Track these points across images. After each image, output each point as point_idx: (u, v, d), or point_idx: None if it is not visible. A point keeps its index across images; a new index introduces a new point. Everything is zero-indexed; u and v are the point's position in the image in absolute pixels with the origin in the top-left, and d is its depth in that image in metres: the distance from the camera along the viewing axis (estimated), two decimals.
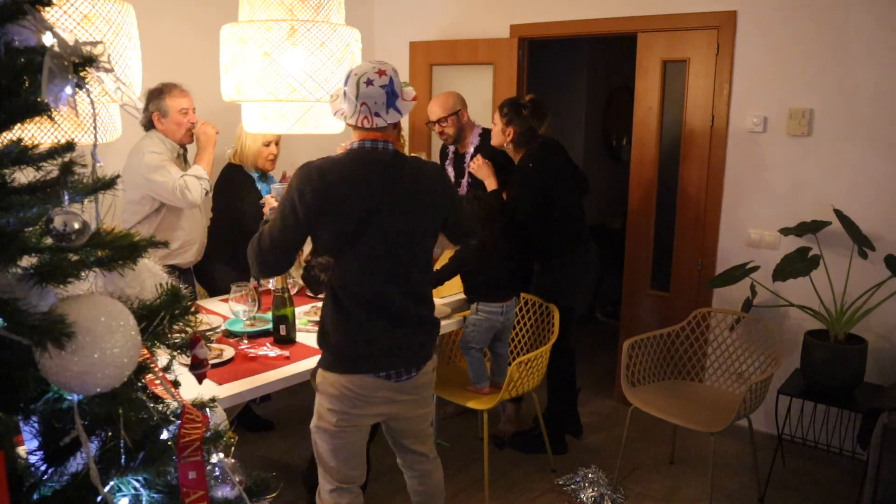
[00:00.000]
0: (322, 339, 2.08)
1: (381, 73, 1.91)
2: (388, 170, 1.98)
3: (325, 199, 1.92)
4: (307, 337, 2.65)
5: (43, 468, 1.03)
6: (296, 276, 3.05)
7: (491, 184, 3.21)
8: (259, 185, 3.28)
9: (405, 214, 2.00)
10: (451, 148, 3.61)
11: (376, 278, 2.00)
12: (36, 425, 1.03)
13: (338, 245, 1.98)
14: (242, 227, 3.23)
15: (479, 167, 3.24)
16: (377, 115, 1.93)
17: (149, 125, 3.05)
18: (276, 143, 3.27)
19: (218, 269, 3.29)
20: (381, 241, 1.97)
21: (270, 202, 2.87)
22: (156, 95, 3.02)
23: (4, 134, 0.97)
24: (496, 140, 3.26)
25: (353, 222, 1.94)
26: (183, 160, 3.15)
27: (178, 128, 3.04)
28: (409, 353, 2.08)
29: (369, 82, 1.90)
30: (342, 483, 2.13)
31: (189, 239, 3.16)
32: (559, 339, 3.15)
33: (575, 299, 3.36)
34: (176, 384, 1.20)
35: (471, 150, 3.48)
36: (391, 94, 1.93)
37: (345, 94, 1.96)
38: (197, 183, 2.95)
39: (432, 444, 2.35)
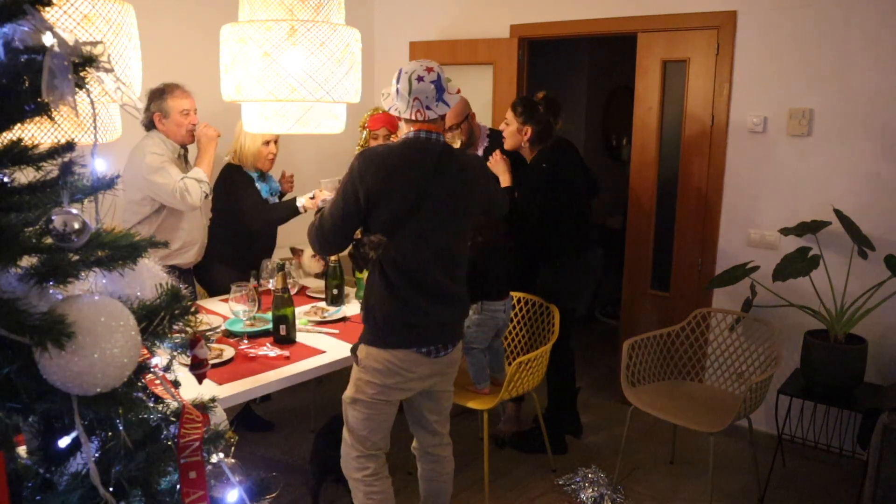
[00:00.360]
0: (367, 315, 2.22)
1: (430, 69, 2.12)
2: (438, 159, 2.15)
3: (384, 183, 2.09)
4: (307, 337, 2.66)
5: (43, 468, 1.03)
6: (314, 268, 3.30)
7: (505, 180, 3.18)
8: (258, 185, 3.28)
9: (451, 200, 2.17)
10: None
11: (423, 258, 2.16)
12: (36, 425, 1.03)
13: (391, 226, 2.12)
14: (242, 227, 3.24)
15: (496, 163, 3.21)
16: (428, 108, 2.12)
17: (150, 125, 3.05)
18: (275, 143, 3.27)
19: (218, 269, 3.29)
20: (429, 223, 2.14)
21: (319, 195, 3.08)
22: (157, 96, 3.02)
23: (4, 134, 0.97)
24: (512, 141, 3.21)
25: (407, 205, 2.11)
26: (184, 161, 3.15)
27: (179, 128, 3.04)
28: (446, 330, 2.26)
29: (420, 78, 2.10)
30: (370, 450, 2.29)
31: (189, 239, 3.16)
32: (559, 339, 3.15)
33: (576, 301, 3.36)
34: (176, 384, 1.20)
35: (480, 151, 3.47)
36: (439, 89, 2.12)
37: (397, 91, 2.13)
38: (197, 186, 2.95)
39: (449, 428, 2.48)
